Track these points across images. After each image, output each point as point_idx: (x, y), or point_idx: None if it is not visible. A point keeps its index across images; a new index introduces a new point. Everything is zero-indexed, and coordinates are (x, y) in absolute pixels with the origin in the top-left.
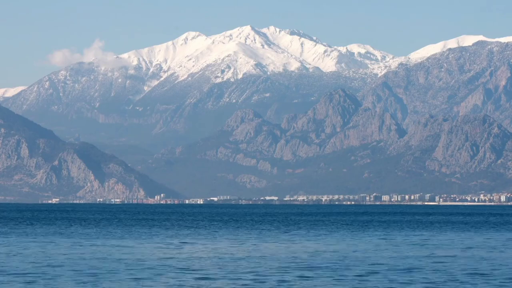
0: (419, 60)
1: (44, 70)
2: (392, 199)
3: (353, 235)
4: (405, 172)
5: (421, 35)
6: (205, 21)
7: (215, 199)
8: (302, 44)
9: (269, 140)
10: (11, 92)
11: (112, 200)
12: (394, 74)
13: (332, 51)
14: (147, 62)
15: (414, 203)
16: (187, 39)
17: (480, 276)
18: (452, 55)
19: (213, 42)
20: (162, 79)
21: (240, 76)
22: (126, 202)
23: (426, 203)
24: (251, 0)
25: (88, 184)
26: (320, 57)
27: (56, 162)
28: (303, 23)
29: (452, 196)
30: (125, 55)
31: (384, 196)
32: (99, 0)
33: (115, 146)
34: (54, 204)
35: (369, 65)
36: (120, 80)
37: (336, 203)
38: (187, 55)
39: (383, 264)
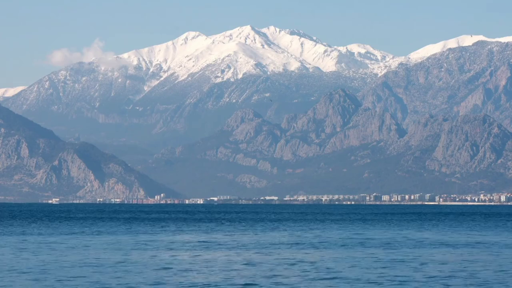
0: (419, 60)
1: (44, 70)
2: (392, 199)
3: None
4: (405, 172)
5: (421, 35)
6: (205, 21)
7: (215, 199)
8: (302, 44)
9: (269, 140)
10: (11, 92)
11: (112, 200)
12: (394, 74)
13: (332, 51)
14: (147, 62)
15: (414, 203)
16: (187, 39)
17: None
18: (452, 55)
19: (213, 42)
20: (162, 79)
21: (240, 76)
22: (126, 202)
23: (426, 203)
24: (251, 0)
25: (88, 184)
26: (320, 57)
27: (56, 162)
28: (303, 23)
29: (452, 196)
30: (125, 55)
31: (384, 196)
32: (99, 0)
33: (115, 146)
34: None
35: (369, 65)
36: (120, 80)
37: (336, 203)
38: (187, 55)
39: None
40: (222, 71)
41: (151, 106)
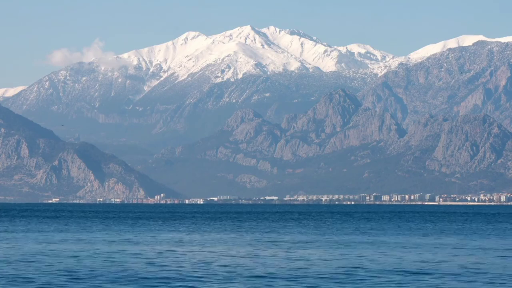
0: (419, 60)
1: (44, 70)
2: (392, 199)
3: None
4: (405, 172)
5: (421, 35)
6: (205, 21)
7: (215, 199)
8: (302, 44)
9: (269, 140)
10: (11, 92)
11: (112, 200)
12: (394, 74)
13: (332, 51)
14: (147, 62)
15: (414, 203)
16: (187, 39)
17: None
18: (452, 55)
19: (213, 42)
20: (162, 79)
21: (240, 76)
22: (126, 202)
23: (426, 203)
24: (251, 0)
25: (88, 184)
26: (320, 57)
27: (56, 162)
28: (303, 23)
29: (452, 196)
30: (125, 55)
31: (384, 196)
32: (99, 0)
33: (115, 146)
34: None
35: (369, 65)
36: (120, 80)
37: (336, 203)
38: (187, 55)
39: None
40: (222, 71)
41: (151, 106)
